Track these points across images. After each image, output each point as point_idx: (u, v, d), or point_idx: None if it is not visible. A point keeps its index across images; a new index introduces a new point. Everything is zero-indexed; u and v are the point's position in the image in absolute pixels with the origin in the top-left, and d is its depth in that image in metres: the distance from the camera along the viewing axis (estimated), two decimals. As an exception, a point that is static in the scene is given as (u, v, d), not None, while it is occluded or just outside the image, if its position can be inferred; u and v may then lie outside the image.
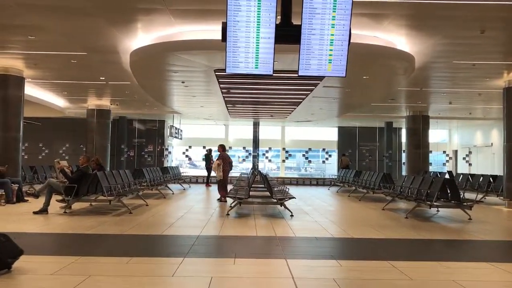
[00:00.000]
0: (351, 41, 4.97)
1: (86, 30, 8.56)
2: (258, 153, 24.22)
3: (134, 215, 9.00)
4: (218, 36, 4.99)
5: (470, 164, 24.32)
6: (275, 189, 11.09)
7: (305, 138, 25.46)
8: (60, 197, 9.20)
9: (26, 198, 10.95)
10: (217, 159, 12.48)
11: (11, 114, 11.89)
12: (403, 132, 22.05)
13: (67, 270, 4.64)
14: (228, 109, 17.47)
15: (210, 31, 8.13)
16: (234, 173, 23.74)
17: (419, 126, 18.96)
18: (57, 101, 17.43)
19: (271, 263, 5.36)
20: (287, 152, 25.23)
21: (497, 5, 6.87)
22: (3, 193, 10.42)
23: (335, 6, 4.78)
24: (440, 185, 9.42)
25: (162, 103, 16.81)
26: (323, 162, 25.66)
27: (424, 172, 17.57)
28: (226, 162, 12.43)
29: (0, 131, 11.70)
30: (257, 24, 4.73)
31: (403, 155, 22.22)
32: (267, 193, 10.63)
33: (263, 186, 12.64)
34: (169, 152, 24.94)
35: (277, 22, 4.82)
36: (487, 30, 8.00)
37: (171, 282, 4.43)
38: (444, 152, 25.90)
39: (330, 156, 25.39)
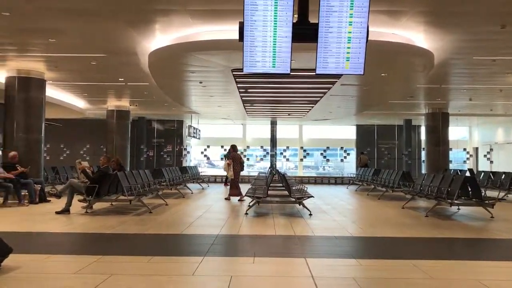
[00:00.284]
0: (369, 38, 4.94)
1: (105, 32, 8.67)
2: (275, 152, 24.21)
3: (154, 215, 9.09)
4: (236, 36, 5.02)
5: (491, 162, 23.91)
6: (294, 188, 11.08)
7: (323, 136, 25.37)
8: (81, 197, 9.34)
9: (48, 198, 11.13)
10: (228, 159, 12.90)
11: (33, 116, 12.10)
12: (423, 130, 21.81)
13: (89, 269, 4.72)
14: (245, 109, 17.50)
15: (227, 31, 8.16)
16: (252, 172, 23.88)
17: (438, 123, 18.71)
18: (77, 102, 17.71)
19: (290, 262, 5.36)
20: (305, 151, 25.17)
21: (518, -1, 6.75)
22: (26, 193, 10.63)
23: (352, 3, 4.76)
24: (460, 183, 9.29)
25: (180, 103, 16.93)
26: (341, 160, 25.53)
27: (444, 170, 17.34)
28: (237, 162, 12.77)
29: (22, 132, 11.91)
30: (274, 24, 4.74)
31: (423, 153, 21.98)
32: (285, 192, 10.63)
33: (281, 185, 12.66)
34: (188, 152, 25.12)
35: (294, 21, 4.82)
36: (507, 25, 7.85)
37: (191, 281, 4.46)
38: (465, 149, 25.53)
39: (348, 154, 25.25)
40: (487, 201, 9.19)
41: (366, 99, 15.77)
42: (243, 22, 4.83)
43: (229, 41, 7.82)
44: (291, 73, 5.19)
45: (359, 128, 24.76)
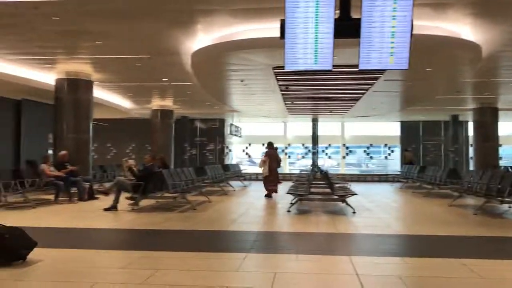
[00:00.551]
0: (413, 32, 4.84)
1: (149, 33, 8.88)
2: (317, 150, 24.04)
3: (198, 211, 9.23)
4: (277, 34, 5.03)
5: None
6: (336, 185, 10.98)
7: (366, 133, 24.94)
8: (128, 195, 9.60)
9: (96, 196, 11.50)
10: (263, 156, 12.94)
11: (82, 116, 12.56)
12: (470, 125, 21.08)
13: (136, 264, 4.86)
14: (286, 106, 17.48)
15: (268, 29, 8.18)
16: (293, 170, 23.82)
17: (487, 118, 18.07)
18: (123, 102, 18.22)
19: (334, 259, 5.32)
20: (347, 148, 24.87)
21: None
22: (76, 191, 11.04)
23: (396, -3, 4.68)
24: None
25: (222, 102, 17.11)
26: (385, 158, 25.05)
27: (493, 166, 16.72)
28: (273, 159, 12.77)
29: (71, 133, 12.39)
30: (316, 20, 4.72)
31: (470, 149, 21.27)
32: (328, 190, 10.55)
33: (323, 182, 12.57)
34: (230, 150, 25.34)
35: (336, 17, 4.79)
36: (561, 13, 7.49)
37: (236, 277, 4.52)
38: (516, 145, 24.49)
39: (392, 151, 24.75)
40: (540, 199, 8.80)
41: (410, 95, 15.41)
42: (284, 20, 4.83)
43: (270, 39, 7.81)
44: (333, 70, 5.14)
45: (404, 124, 24.17)
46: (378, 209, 10.18)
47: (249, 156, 25.62)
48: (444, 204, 10.83)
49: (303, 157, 25.16)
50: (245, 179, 19.04)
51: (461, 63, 10.35)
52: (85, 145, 12.67)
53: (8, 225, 4.86)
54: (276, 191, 12.51)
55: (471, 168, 20.08)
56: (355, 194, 9.92)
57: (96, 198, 11.32)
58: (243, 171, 20.26)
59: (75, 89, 12.46)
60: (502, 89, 15.09)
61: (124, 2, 7.24)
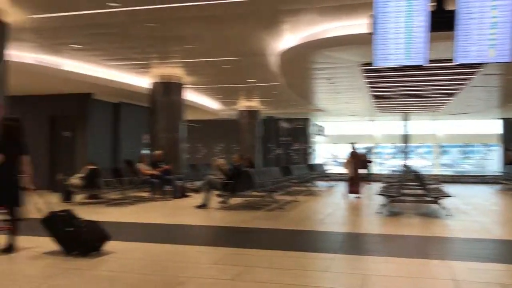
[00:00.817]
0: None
1: (236, 36, 9.10)
2: (408, 149, 23.07)
3: (285, 211, 9.27)
4: (364, 30, 4.91)
5: None
6: (429, 187, 10.47)
7: (462, 132, 23.49)
8: (218, 193, 9.88)
9: (188, 194, 11.99)
10: (348, 157, 12.73)
11: (174, 118, 13.17)
12: None
13: (226, 260, 4.99)
14: (374, 104, 17.00)
15: (355, 25, 8.02)
16: (383, 170, 23.08)
17: None
18: (212, 104, 18.82)
19: (426, 263, 5.06)
20: (441, 147, 23.60)
21: None
22: (170, 189, 11.58)
23: (496, -15, 4.37)
24: None
25: (308, 101, 17.05)
26: (483, 158, 23.42)
27: None
28: (357, 160, 12.59)
29: (165, 133, 13.03)
30: (408, 13, 4.54)
31: None
32: (419, 192, 10.10)
33: (415, 184, 12.05)
34: (314, 150, 25.17)
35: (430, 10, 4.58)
36: None
37: (324, 277, 4.48)
38: None
39: (491, 151, 23.08)
40: None
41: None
42: (373, 15, 4.71)
43: (358, 35, 7.66)
44: (425, 65, 4.91)
45: (506, 122, 22.38)
46: (475, 212, 9.56)
47: (335, 156, 25.24)
48: (553, 208, 9.92)
49: (392, 156, 24.31)
50: (330, 180, 18.78)
51: None
52: (177, 144, 13.25)
53: (85, 218, 5.20)
54: (358, 193, 12.12)
55: None
56: (450, 196, 9.38)
57: (188, 196, 11.77)
58: (328, 171, 20.00)
59: (168, 91, 13.08)
60: None
61: (218, 8, 7.41)
